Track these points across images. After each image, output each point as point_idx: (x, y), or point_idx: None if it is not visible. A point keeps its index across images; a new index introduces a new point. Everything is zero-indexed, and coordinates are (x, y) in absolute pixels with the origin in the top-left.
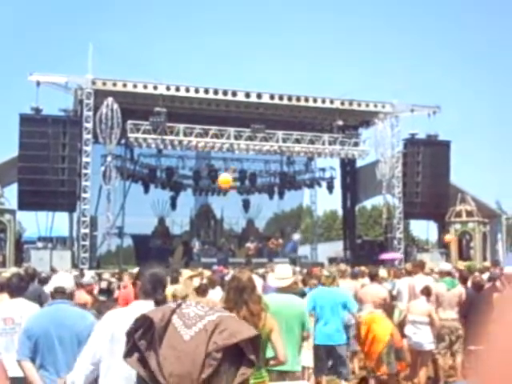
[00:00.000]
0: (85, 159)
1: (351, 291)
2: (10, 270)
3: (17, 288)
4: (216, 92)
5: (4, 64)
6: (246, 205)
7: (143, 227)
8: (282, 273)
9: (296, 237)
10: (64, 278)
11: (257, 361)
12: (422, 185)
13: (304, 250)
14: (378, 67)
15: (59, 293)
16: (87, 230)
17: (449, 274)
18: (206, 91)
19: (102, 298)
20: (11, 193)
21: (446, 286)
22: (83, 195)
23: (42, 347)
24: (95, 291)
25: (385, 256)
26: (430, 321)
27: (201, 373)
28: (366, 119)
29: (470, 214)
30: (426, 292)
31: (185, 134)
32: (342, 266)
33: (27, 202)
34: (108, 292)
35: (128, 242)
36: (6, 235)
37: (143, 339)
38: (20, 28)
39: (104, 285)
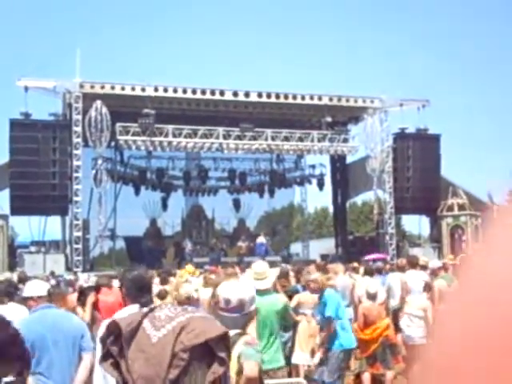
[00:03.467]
0: (75, 163)
1: (347, 288)
2: (3, 275)
3: (5, 293)
4: (204, 92)
5: None
6: (237, 204)
7: (135, 229)
8: (259, 271)
9: (260, 239)
10: (38, 286)
11: (228, 358)
12: (412, 179)
13: (296, 248)
14: (365, 62)
15: (41, 298)
16: (80, 233)
17: (443, 269)
18: (194, 91)
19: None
20: (3, 198)
21: (446, 282)
22: (75, 198)
23: (37, 353)
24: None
25: (370, 257)
26: (424, 316)
27: (167, 373)
28: (354, 115)
29: (461, 207)
30: (428, 289)
31: (174, 135)
32: (340, 267)
33: (19, 206)
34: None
35: (120, 244)
36: None
37: (115, 345)
38: (7, 33)
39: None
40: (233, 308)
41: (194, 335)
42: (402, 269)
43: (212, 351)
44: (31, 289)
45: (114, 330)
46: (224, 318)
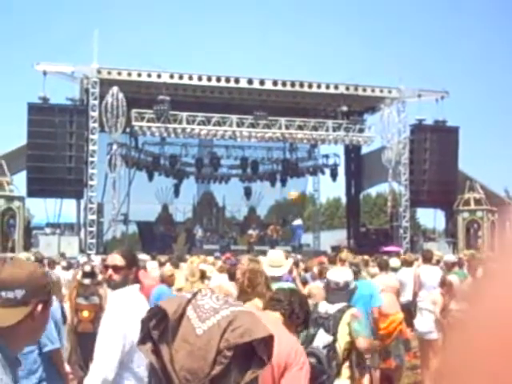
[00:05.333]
0: (91, 147)
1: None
2: (19, 255)
3: None
4: (219, 79)
5: (11, 54)
6: (248, 192)
7: (147, 214)
8: (275, 259)
9: (297, 222)
10: None
11: (268, 361)
12: (429, 172)
13: (306, 238)
14: (384, 52)
15: None
16: (94, 217)
17: (457, 264)
18: (209, 79)
19: (85, 281)
20: (20, 180)
21: (459, 278)
22: (90, 183)
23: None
24: (79, 275)
25: (387, 248)
26: (434, 309)
27: (211, 369)
28: (371, 105)
29: (478, 202)
30: (444, 284)
31: (188, 122)
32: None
33: (36, 189)
34: (92, 275)
35: (133, 228)
36: (15, 221)
37: (156, 329)
38: (26, 18)
39: (88, 268)
40: (341, 287)
41: (239, 334)
42: (410, 264)
43: (253, 350)
44: None
45: (156, 314)
46: (334, 296)
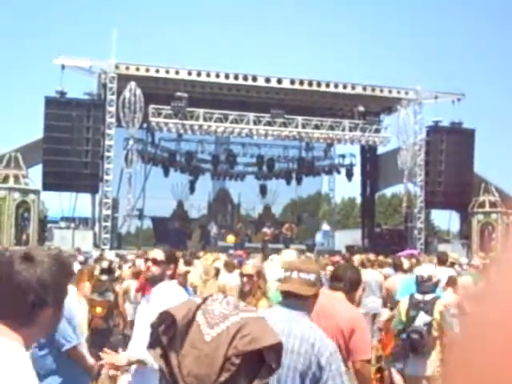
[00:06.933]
0: (108, 142)
1: (375, 281)
2: None
3: None
4: (236, 77)
5: (30, 47)
6: (263, 190)
7: (162, 210)
8: (288, 259)
9: (325, 227)
10: None
11: (277, 368)
12: (444, 174)
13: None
14: (401, 53)
15: None
16: (109, 212)
17: (472, 267)
18: (227, 76)
19: (103, 277)
20: (36, 174)
21: (473, 280)
22: (105, 177)
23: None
24: (96, 271)
25: (402, 253)
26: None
27: (218, 376)
28: (388, 105)
29: (493, 204)
30: (452, 283)
31: (204, 119)
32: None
33: (51, 182)
34: (109, 271)
35: (148, 223)
36: (30, 215)
37: (165, 335)
38: (45, 12)
39: (105, 264)
40: (426, 280)
41: (248, 341)
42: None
43: (262, 358)
44: None
45: (166, 319)
46: (423, 286)
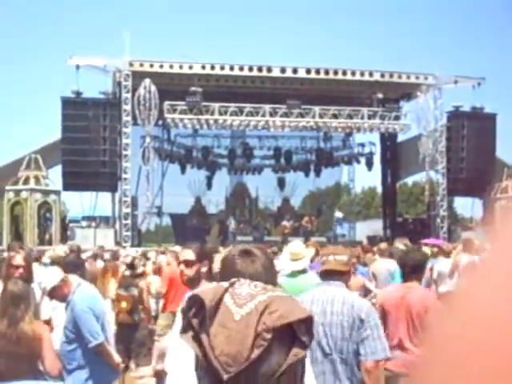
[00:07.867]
0: (124, 141)
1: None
2: (58, 248)
3: (73, 264)
4: (251, 69)
5: (45, 48)
6: (281, 183)
7: (180, 206)
8: (295, 251)
9: (339, 215)
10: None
11: (309, 342)
12: (466, 160)
13: (342, 229)
14: (420, 38)
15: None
16: (128, 210)
17: None
18: (241, 68)
19: (126, 272)
20: (56, 174)
21: None
22: (124, 176)
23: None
24: (122, 268)
25: (427, 241)
26: None
27: (250, 352)
28: (407, 92)
29: None
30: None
31: (220, 113)
32: (382, 245)
33: (71, 182)
34: (132, 267)
35: (166, 220)
36: (51, 215)
37: (196, 318)
38: (57, 13)
39: (128, 260)
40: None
41: (276, 317)
42: (447, 254)
43: (294, 333)
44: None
45: (195, 303)
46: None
